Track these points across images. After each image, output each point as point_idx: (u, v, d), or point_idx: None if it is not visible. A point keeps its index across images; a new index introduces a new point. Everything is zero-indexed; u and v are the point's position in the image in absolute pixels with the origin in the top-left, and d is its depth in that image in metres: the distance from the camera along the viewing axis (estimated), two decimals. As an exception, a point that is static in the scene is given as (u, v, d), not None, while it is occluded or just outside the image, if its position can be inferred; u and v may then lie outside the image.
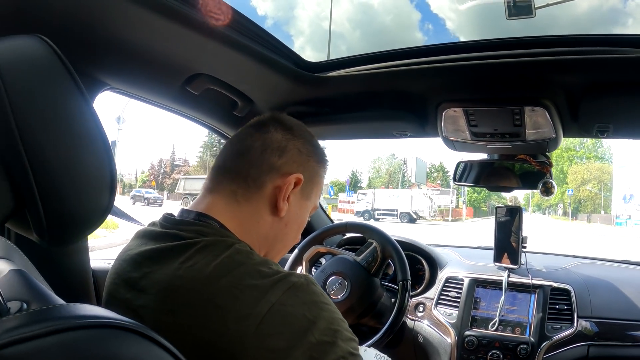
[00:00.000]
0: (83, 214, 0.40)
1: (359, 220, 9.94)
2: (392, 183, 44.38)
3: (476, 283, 1.37)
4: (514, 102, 1.02)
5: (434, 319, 1.37)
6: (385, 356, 1.19)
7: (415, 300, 1.44)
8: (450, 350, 1.29)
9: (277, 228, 0.66)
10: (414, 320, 1.42)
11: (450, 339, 1.30)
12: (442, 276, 1.44)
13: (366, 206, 26.10)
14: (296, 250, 1.36)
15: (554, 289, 1.29)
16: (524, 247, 1.38)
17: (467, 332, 1.28)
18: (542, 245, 3.58)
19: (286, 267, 1.32)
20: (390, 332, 1.21)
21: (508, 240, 1.39)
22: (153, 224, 0.65)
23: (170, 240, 0.58)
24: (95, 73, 0.91)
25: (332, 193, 31.83)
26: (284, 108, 1.21)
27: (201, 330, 0.49)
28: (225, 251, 0.54)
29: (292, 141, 0.67)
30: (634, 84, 0.93)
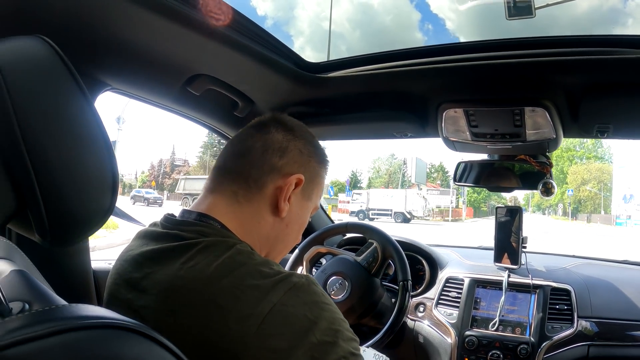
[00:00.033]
0: (85, 214, 0.40)
1: (355, 220, 9.95)
2: (392, 183, 44.40)
3: (476, 283, 1.37)
4: (515, 103, 1.02)
5: (434, 319, 1.37)
6: (384, 356, 1.19)
7: (415, 300, 1.44)
8: (451, 351, 1.29)
9: (278, 228, 0.66)
10: (415, 321, 1.42)
11: (450, 339, 1.30)
12: (442, 276, 1.44)
13: (360, 206, 26.25)
14: (297, 251, 1.36)
15: (554, 289, 1.29)
16: (524, 247, 1.38)
17: (468, 332, 1.28)
18: (542, 246, 3.58)
19: (287, 268, 1.32)
20: (391, 332, 1.21)
21: (508, 241, 1.39)
22: (154, 224, 0.65)
23: (172, 241, 0.58)
24: (96, 74, 0.91)
25: (332, 193, 31.84)
26: (284, 108, 1.21)
27: (202, 331, 0.49)
28: (227, 251, 0.54)
29: (293, 142, 0.67)
30: (634, 85, 0.93)
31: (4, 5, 0.67)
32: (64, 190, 0.38)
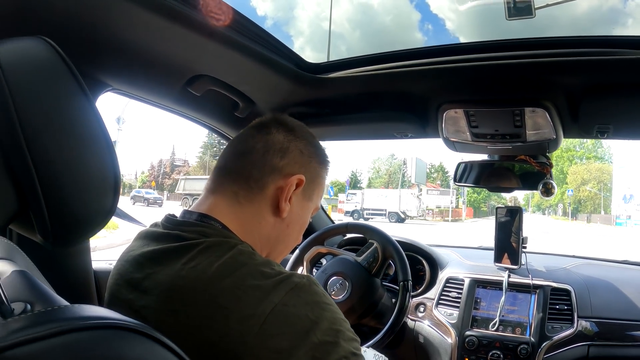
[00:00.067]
0: (87, 215, 0.40)
1: (350, 219, 9.95)
2: (392, 183, 44.38)
3: (477, 283, 1.37)
4: (515, 103, 1.02)
5: (434, 319, 1.37)
6: (384, 356, 1.19)
7: (415, 300, 1.44)
8: (451, 351, 1.29)
9: (279, 229, 0.66)
10: (415, 321, 1.42)
11: (450, 339, 1.31)
12: (442, 276, 1.44)
13: (355, 206, 26.34)
14: (297, 251, 1.36)
15: (554, 289, 1.29)
16: (524, 247, 1.38)
17: (468, 332, 1.29)
18: (542, 246, 3.58)
19: (287, 268, 1.32)
20: (391, 332, 1.21)
21: (508, 241, 1.40)
22: (155, 224, 0.65)
23: (173, 241, 0.58)
24: (97, 74, 0.91)
25: (332, 193, 31.85)
26: (284, 109, 1.21)
27: (204, 331, 0.49)
28: (228, 252, 0.54)
29: (294, 142, 0.67)
30: (634, 85, 0.93)
31: (5, 5, 0.67)
32: (66, 190, 0.38)
